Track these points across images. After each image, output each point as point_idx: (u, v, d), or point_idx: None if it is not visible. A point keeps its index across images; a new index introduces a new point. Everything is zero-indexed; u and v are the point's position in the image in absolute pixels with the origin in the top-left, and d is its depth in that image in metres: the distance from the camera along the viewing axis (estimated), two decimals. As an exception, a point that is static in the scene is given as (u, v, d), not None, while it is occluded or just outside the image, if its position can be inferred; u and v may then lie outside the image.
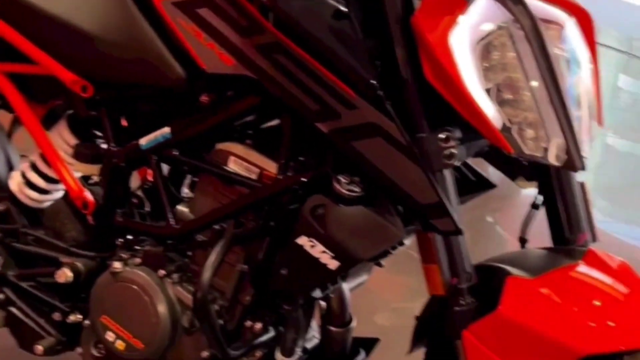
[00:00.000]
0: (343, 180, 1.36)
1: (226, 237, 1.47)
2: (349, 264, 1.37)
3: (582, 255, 1.38)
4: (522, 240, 1.56)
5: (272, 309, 1.56)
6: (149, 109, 1.67)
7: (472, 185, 1.62)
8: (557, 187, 1.48)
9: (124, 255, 1.64)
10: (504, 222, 3.15)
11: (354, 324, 1.68)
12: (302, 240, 1.38)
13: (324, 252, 1.36)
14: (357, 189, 1.35)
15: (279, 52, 1.35)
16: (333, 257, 1.36)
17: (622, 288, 1.33)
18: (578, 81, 1.35)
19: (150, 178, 1.72)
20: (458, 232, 1.31)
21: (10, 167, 1.95)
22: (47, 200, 1.87)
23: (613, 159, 3.86)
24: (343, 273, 1.40)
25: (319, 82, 1.32)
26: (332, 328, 1.66)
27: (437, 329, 1.48)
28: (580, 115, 1.33)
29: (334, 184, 1.36)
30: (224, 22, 1.41)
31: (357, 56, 1.30)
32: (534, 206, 1.54)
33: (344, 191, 1.35)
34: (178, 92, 1.58)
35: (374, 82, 1.29)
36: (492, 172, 1.63)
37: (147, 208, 1.76)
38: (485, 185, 1.63)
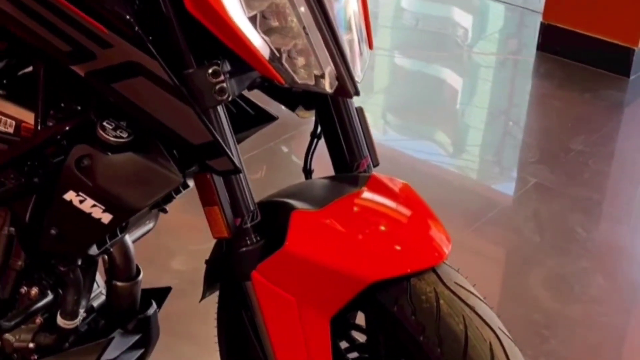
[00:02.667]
0: (108, 126, 1.26)
1: None
2: (123, 216, 1.28)
3: (365, 182, 1.36)
4: (307, 172, 1.53)
5: (47, 271, 1.45)
6: None
7: (252, 119, 1.55)
8: (334, 114, 1.44)
9: None
10: (300, 150, 3.16)
11: (141, 276, 1.59)
12: (70, 196, 1.27)
13: (94, 205, 1.26)
14: (124, 135, 1.25)
15: None
16: (105, 211, 1.26)
17: (405, 211, 1.32)
18: (346, 4, 1.31)
19: None
20: (237, 170, 1.25)
21: None
22: None
23: (401, 78, 3.95)
24: (119, 226, 1.31)
25: (68, 21, 1.20)
26: (118, 283, 1.56)
27: (226, 271, 1.43)
28: (351, 39, 1.29)
29: (98, 130, 1.25)
30: None
31: None
32: (315, 135, 1.50)
33: (110, 138, 1.25)
34: None
35: (129, 17, 1.18)
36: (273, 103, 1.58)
37: None
38: (266, 117, 1.57)
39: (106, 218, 1.27)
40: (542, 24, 3.96)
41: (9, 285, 1.45)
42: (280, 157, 3.09)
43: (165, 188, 1.27)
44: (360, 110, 1.47)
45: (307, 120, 1.55)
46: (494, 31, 4.46)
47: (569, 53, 3.87)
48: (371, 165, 1.47)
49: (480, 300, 1.25)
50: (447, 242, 1.29)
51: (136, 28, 1.18)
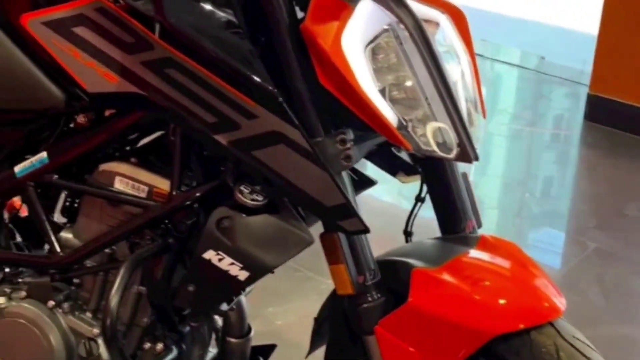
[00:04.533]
0: (245, 190, 1.35)
1: (131, 259, 1.43)
2: (259, 273, 1.37)
3: (476, 242, 1.45)
4: (407, 234, 1.61)
5: (171, 328, 1.54)
6: (16, 136, 1.59)
7: (356, 184, 1.65)
8: (442, 179, 1.54)
9: (6, 290, 1.56)
10: (379, 207, 3.22)
11: (252, 333, 1.67)
12: (210, 254, 1.36)
13: (232, 264, 1.35)
14: (260, 198, 1.35)
15: (171, 67, 1.32)
16: (242, 268, 1.35)
17: (518, 268, 1.40)
18: (460, 75, 1.41)
19: (17, 207, 1.64)
20: (366, 230, 1.34)
21: None
22: None
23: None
24: (253, 283, 1.40)
25: (216, 94, 1.31)
26: (232, 339, 1.64)
27: (338, 327, 1.51)
28: (466, 108, 1.40)
29: (236, 194, 1.35)
30: (105, 39, 1.37)
31: (253, 65, 1.30)
32: (419, 199, 1.59)
33: (247, 201, 1.35)
34: (50, 116, 1.52)
35: (274, 89, 1.29)
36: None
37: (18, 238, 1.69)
38: (367, 182, 1.67)
39: (243, 275, 1.36)
40: (589, 95, 4.08)
41: (133, 341, 1.53)
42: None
43: (299, 247, 1.36)
44: (464, 175, 1.57)
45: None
46: (541, 103, 4.58)
47: (616, 123, 3.98)
48: (476, 227, 1.56)
49: (597, 353, 1.32)
50: (560, 297, 1.36)
51: (279, 99, 1.29)
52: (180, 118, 1.35)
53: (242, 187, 1.36)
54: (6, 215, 1.69)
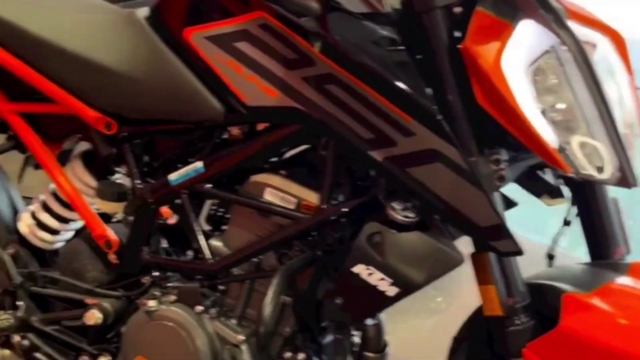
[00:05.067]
0: (397, 206, 1.37)
1: (285, 269, 1.46)
2: (408, 290, 1.38)
3: (628, 269, 1.42)
4: (550, 257, 1.59)
5: (311, 339, 1.56)
6: (174, 145, 1.65)
7: None
8: (592, 202, 1.51)
9: (157, 293, 1.61)
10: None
11: (388, 349, 1.68)
12: (359, 269, 1.38)
13: (382, 279, 1.36)
14: (412, 215, 1.36)
15: (331, 83, 1.35)
16: (392, 284, 1.36)
17: (672, 298, 1.37)
18: (619, 98, 1.39)
19: (166, 215, 1.69)
20: (520, 252, 1.33)
21: (15, 211, 1.89)
22: (58, 242, 1.82)
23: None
24: (401, 299, 1.41)
25: (374, 110, 1.33)
26: (369, 354, 1.65)
27: (479, 347, 1.50)
28: (626, 133, 1.37)
29: (388, 211, 1.37)
30: (266, 55, 1.41)
31: (412, 82, 1.31)
32: (566, 222, 1.57)
33: (399, 217, 1.36)
34: (205, 127, 1.57)
35: (432, 107, 1.30)
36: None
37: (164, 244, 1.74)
38: (509, 204, 1.66)
39: (392, 291, 1.37)
40: None
41: (275, 350, 1.56)
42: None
43: (450, 267, 1.36)
44: (614, 201, 1.54)
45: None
46: None
47: None
48: (625, 253, 1.52)
49: None
50: None
51: (438, 117, 1.30)
52: (336, 133, 1.38)
53: (394, 204, 1.37)
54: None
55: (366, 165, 1.39)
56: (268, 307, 1.45)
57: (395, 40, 1.33)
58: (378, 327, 1.65)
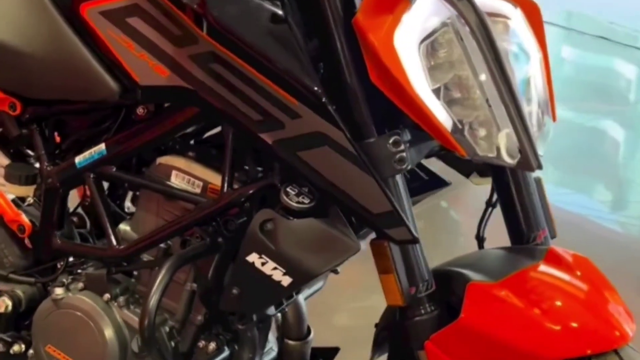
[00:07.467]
0: (291, 191, 1.29)
1: (173, 258, 1.40)
2: (303, 280, 1.31)
3: (543, 255, 1.34)
4: (480, 239, 1.52)
5: (225, 327, 1.50)
6: (82, 125, 1.59)
7: (426, 184, 1.56)
8: (512, 184, 1.43)
9: (65, 280, 1.56)
10: (458, 206, 3.12)
11: (311, 335, 1.62)
12: (253, 258, 1.31)
13: (275, 268, 1.30)
14: (306, 201, 1.29)
15: (216, 62, 1.27)
16: (285, 274, 1.29)
17: (585, 287, 1.28)
18: (528, 75, 1.30)
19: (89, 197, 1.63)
20: (415, 241, 1.25)
21: None
22: None
23: (561, 129, 3.87)
24: (297, 289, 1.34)
25: (260, 92, 1.25)
26: (290, 341, 1.60)
27: (397, 337, 1.43)
28: (532, 111, 1.28)
29: (281, 196, 1.29)
30: (156, 31, 1.34)
31: (298, 62, 1.23)
32: (490, 204, 1.49)
33: (292, 203, 1.29)
34: (112, 106, 1.50)
35: (317, 89, 1.22)
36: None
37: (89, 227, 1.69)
38: (439, 183, 1.58)
39: (286, 281, 1.30)
40: None
41: (188, 339, 1.50)
42: (439, 212, 3.06)
43: (345, 255, 1.29)
44: (538, 181, 1.45)
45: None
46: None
47: None
48: (548, 237, 1.44)
49: None
50: (630, 322, 1.24)
51: (323, 99, 1.22)
52: (228, 115, 1.31)
53: (288, 189, 1.29)
54: (78, 203, 1.69)
55: (260, 148, 1.31)
56: (152, 298, 1.38)
57: (282, 17, 1.25)
58: (298, 315, 1.59)
